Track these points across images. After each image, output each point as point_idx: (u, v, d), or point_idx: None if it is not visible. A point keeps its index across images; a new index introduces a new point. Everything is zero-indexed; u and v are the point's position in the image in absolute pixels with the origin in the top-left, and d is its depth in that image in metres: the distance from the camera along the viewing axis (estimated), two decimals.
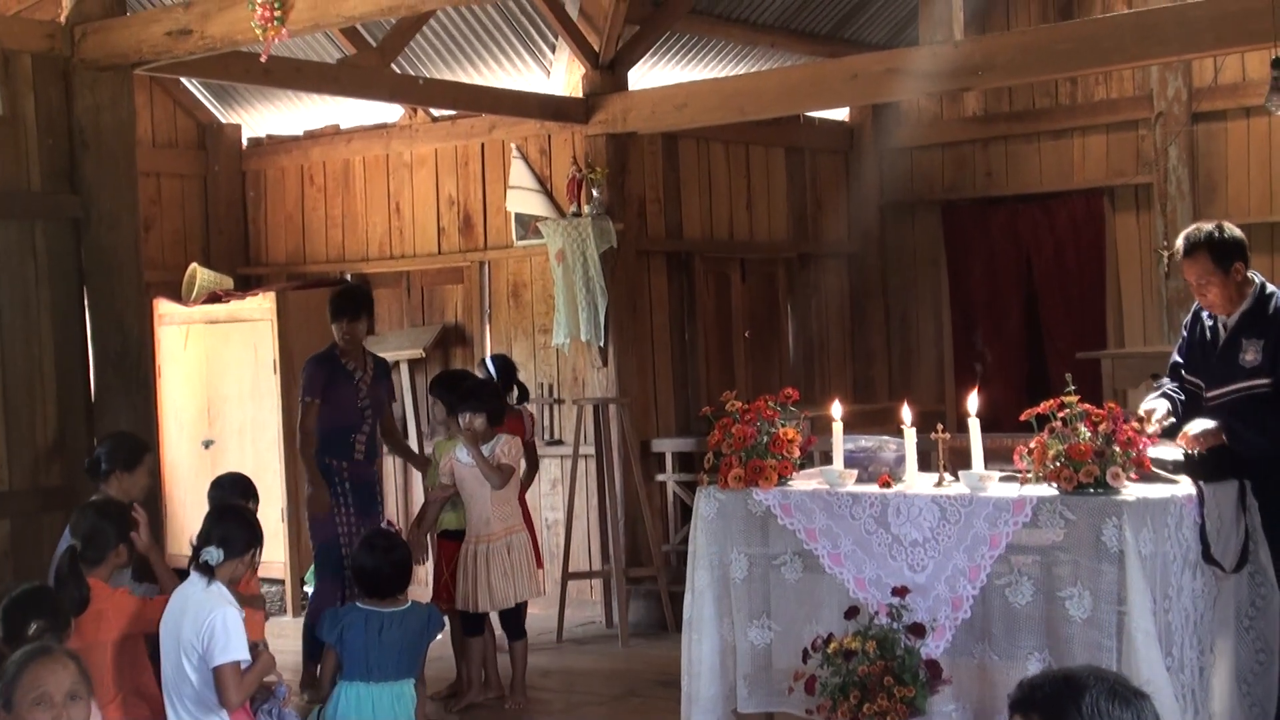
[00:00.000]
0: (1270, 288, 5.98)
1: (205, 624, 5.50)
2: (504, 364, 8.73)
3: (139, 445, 6.75)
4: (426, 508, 7.98)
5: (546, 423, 10.25)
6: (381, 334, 10.84)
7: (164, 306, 10.85)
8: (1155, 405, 5.99)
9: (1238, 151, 10.88)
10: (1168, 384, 6.22)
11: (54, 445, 7.52)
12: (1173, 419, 5.93)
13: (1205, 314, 6.07)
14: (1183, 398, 6.10)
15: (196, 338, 10.79)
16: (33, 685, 4.20)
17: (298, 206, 11.50)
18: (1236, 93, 10.75)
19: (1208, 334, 6.06)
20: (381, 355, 9.85)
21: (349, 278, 11.18)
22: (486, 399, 7.84)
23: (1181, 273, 6.04)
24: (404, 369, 10.51)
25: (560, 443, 10.16)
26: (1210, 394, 5.97)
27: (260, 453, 10.29)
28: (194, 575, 5.71)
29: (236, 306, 10.65)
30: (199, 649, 5.51)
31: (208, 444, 10.69)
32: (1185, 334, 6.21)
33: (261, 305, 10.53)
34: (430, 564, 8.36)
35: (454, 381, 8.16)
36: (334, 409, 8.04)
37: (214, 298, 10.78)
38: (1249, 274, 5.96)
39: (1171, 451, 5.78)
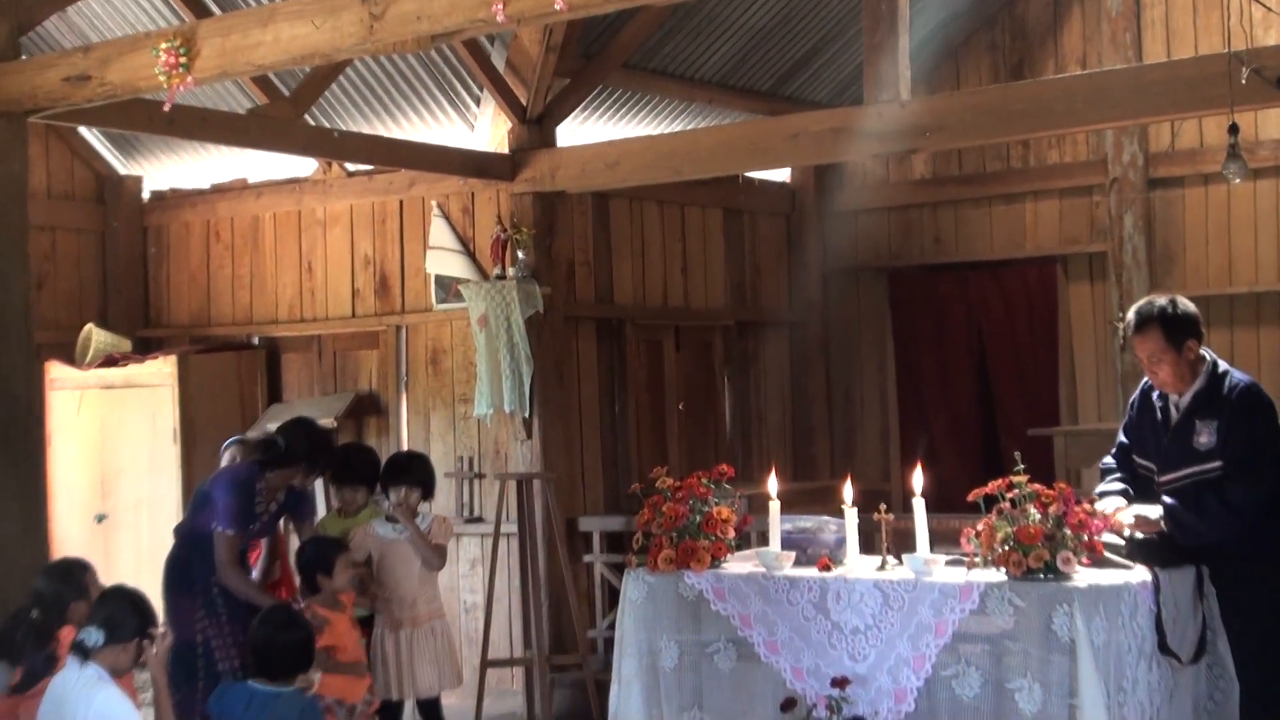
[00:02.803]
0: (1223, 365, 6.05)
1: (90, 713, 5.42)
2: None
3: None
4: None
5: (466, 499, 10.20)
6: (290, 402, 10.77)
7: (56, 370, 10.74)
8: (1112, 504, 6.02)
9: (1195, 220, 11.05)
10: (1116, 475, 6.25)
11: None
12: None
13: (1155, 393, 6.12)
14: (1132, 489, 6.14)
15: (91, 404, 10.68)
16: None
17: (203, 264, 11.43)
18: (1194, 159, 10.92)
19: (1158, 414, 6.11)
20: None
21: (256, 341, 11.11)
22: (420, 472, 7.82)
23: (1133, 348, 6.11)
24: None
25: (480, 520, 10.11)
26: (1163, 478, 6.02)
27: (157, 529, 10.14)
28: (70, 660, 5.63)
29: (135, 371, 10.56)
30: None
31: (100, 519, 10.56)
32: (1133, 413, 6.26)
33: (162, 370, 10.45)
34: None
35: (356, 462, 8.09)
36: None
37: (110, 361, 10.69)
38: (1201, 351, 6.03)
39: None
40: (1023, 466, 5.73)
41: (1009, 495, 5.71)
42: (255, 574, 7.90)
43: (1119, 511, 5.92)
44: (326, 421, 10.25)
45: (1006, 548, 5.61)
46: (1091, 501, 5.77)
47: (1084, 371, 11.52)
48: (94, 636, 5.62)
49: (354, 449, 8.65)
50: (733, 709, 6.16)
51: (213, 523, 7.55)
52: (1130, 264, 10.94)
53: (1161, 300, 6.08)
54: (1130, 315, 6.10)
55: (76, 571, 6.45)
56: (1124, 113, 8.01)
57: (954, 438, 11.97)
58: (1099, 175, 11.27)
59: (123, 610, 5.74)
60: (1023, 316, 11.80)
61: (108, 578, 9.68)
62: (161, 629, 5.95)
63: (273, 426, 10.06)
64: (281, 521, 8.01)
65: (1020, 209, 11.77)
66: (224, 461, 8.55)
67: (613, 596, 9.73)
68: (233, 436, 9.09)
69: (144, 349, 11.10)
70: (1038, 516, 5.62)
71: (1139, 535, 5.83)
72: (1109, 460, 6.33)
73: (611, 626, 8.79)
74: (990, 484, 5.79)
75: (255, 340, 11.15)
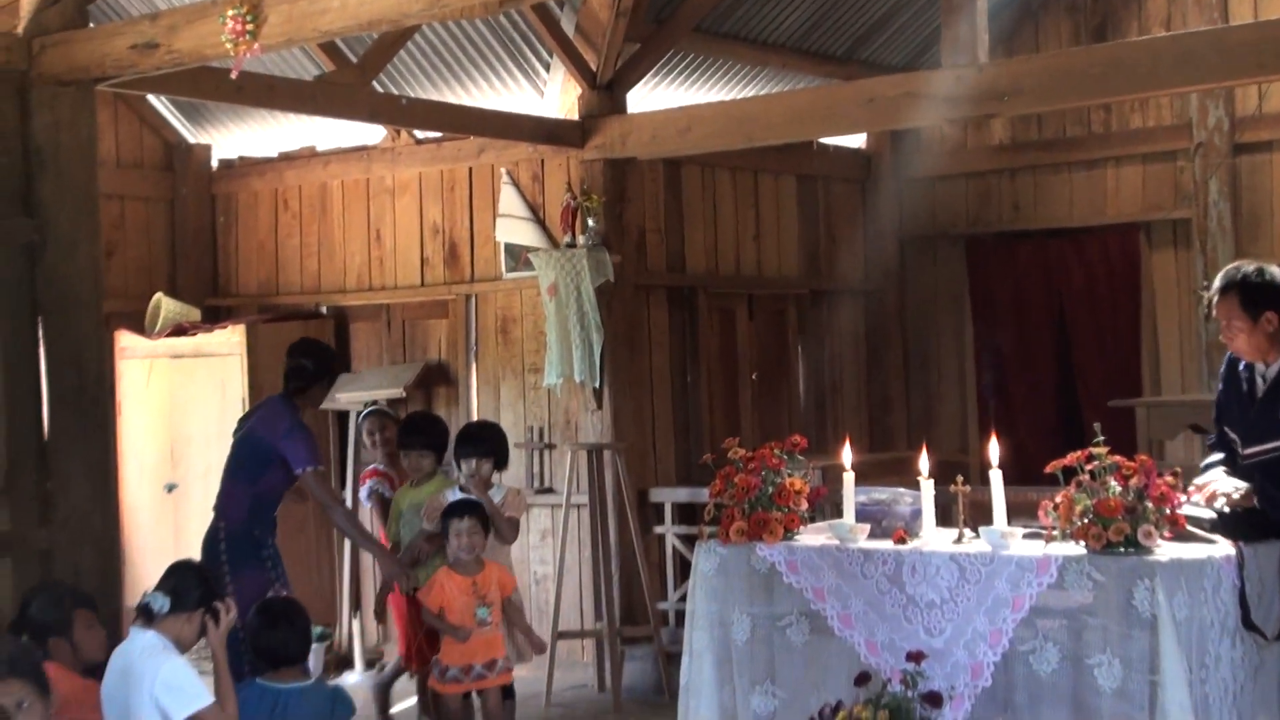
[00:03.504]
0: None
1: (154, 682, 5.49)
2: (315, 345, 8.28)
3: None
4: (412, 551, 7.89)
5: (536, 469, 10.24)
6: (359, 372, 10.84)
7: (125, 339, 10.85)
8: (1210, 476, 5.94)
9: None
10: (1218, 448, 6.16)
11: (2, 490, 7.50)
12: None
13: (1242, 364, 6.06)
14: (1229, 464, 6.05)
15: (160, 373, 10.78)
16: None
17: (271, 233, 11.51)
18: None
19: (1244, 385, 6.04)
20: (358, 394, 9.86)
21: (324, 310, 11.18)
22: (493, 442, 7.84)
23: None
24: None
25: (550, 491, 10.14)
26: (1247, 451, 5.94)
27: None
28: (133, 630, 5.70)
29: (203, 340, 10.65)
30: (156, 713, 5.50)
31: (170, 488, 10.67)
32: (1221, 384, 6.20)
33: (230, 339, 10.53)
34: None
35: (423, 425, 8.18)
36: (286, 480, 7.81)
37: (179, 330, 10.78)
38: None
39: (1208, 510, 5.76)
40: (1103, 438, 5.69)
41: (1089, 467, 5.67)
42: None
43: (1215, 484, 5.84)
44: (395, 392, 10.33)
45: (1086, 521, 5.57)
46: (1175, 474, 5.71)
47: (1167, 342, 11.42)
48: (160, 602, 5.69)
49: (419, 414, 8.78)
50: (805, 683, 6.16)
51: (296, 468, 7.67)
52: (1215, 231, 10.82)
53: (1248, 267, 6.00)
54: (1217, 278, 6.04)
55: (66, 602, 6.27)
56: (1209, 75, 7.92)
57: (1033, 409, 11.90)
58: (1183, 140, 11.14)
59: (189, 581, 5.82)
60: (1104, 285, 11.69)
61: (177, 548, 9.93)
62: (225, 602, 6.01)
63: (342, 397, 10.19)
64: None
65: (1102, 175, 11.66)
66: (365, 433, 8.96)
67: (684, 568, 9.75)
68: (370, 405, 9.26)
69: (212, 318, 11.19)
70: (1118, 489, 5.58)
71: (1227, 509, 5.76)
72: (1213, 435, 6.27)
73: (683, 599, 8.80)
74: (1069, 456, 5.76)
75: (323, 309, 11.22)
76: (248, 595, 7.67)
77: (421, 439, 8.05)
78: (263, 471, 7.75)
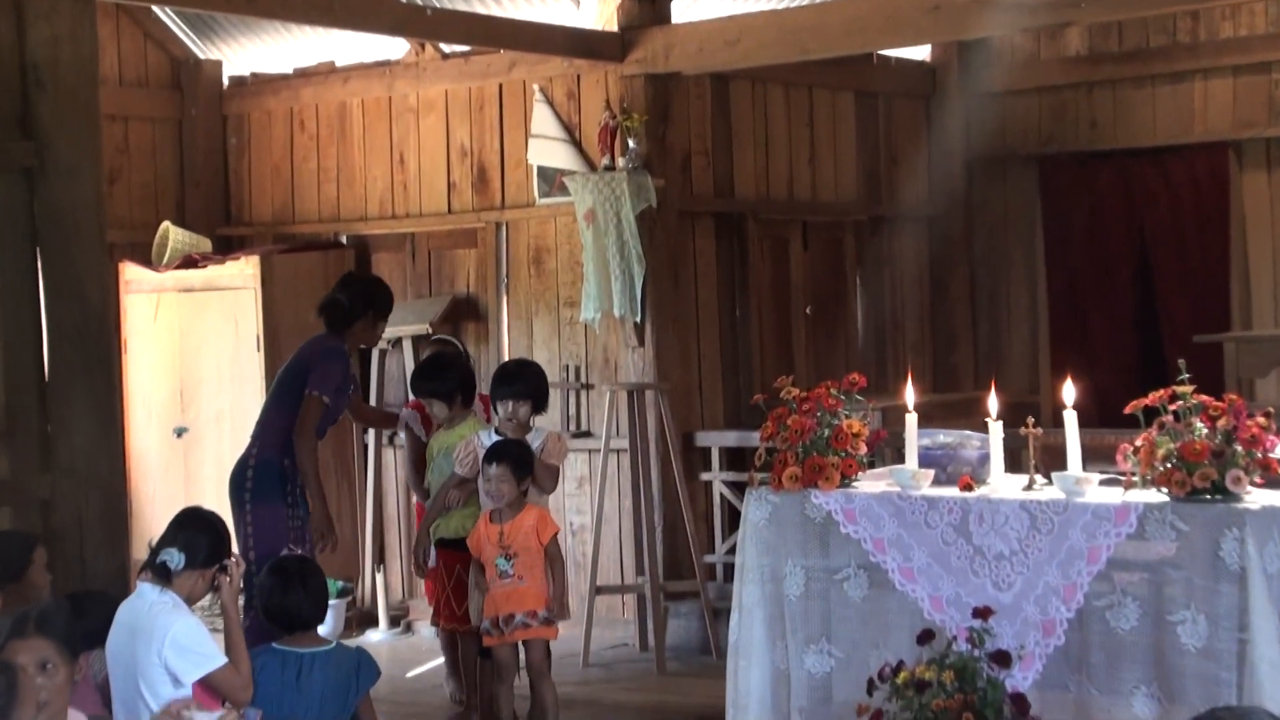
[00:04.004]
0: None
1: (164, 642, 5.53)
2: (361, 280, 8.87)
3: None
4: (441, 497, 7.94)
5: (572, 411, 10.26)
6: None
7: (131, 272, 10.90)
8: None
9: None
10: None
11: (1, 432, 7.54)
12: None
13: None
14: None
15: (168, 308, 10.83)
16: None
17: (286, 156, 11.52)
18: None
19: None
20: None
21: (344, 240, 11.21)
22: (531, 382, 7.84)
23: None
24: (407, 347, 10.52)
25: (588, 435, 10.16)
26: None
27: (240, 442, 10.28)
28: (142, 586, 5.74)
29: (215, 272, 10.68)
30: (164, 675, 5.54)
31: (180, 432, 10.74)
32: None
33: (244, 271, 10.57)
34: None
35: (429, 371, 8.24)
36: (326, 413, 8.10)
37: (189, 262, 10.82)
38: None
39: None
40: (1188, 376, 5.67)
41: (1172, 408, 5.66)
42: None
43: None
44: (420, 328, 10.35)
45: (1169, 465, 5.57)
46: (1267, 415, 5.67)
47: (1259, 271, 11.35)
48: (175, 559, 5.73)
49: (429, 358, 8.77)
50: (864, 641, 6.19)
51: (307, 387, 7.98)
52: None
53: None
54: None
55: (26, 545, 6.36)
56: None
57: (1111, 344, 11.85)
58: (1278, 50, 11.02)
59: (200, 534, 5.84)
60: (1190, 209, 11.61)
61: (187, 496, 10.00)
62: (235, 557, 6.05)
63: None
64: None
65: (1188, 89, 11.55)
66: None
67: (733, 518, 9.78)
68: (430, 336, 9.41)
69: (224, 248, 11.22)
70: (1205, 431, 5.57)
71: None
72: None
73: (731, 551, 8.83)
74: (1151, 395, 5.74)
75: (343, 239, 11.24)
76: (264, 530, 7.85)
77: (429, 385, 8.06)
78: (299, 401, 8.02)
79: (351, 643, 7.36)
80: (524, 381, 7.83)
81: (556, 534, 7.54)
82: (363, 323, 8.24)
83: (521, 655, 7.57)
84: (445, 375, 8.11)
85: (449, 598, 7.92)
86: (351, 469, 10.78)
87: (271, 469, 8.04)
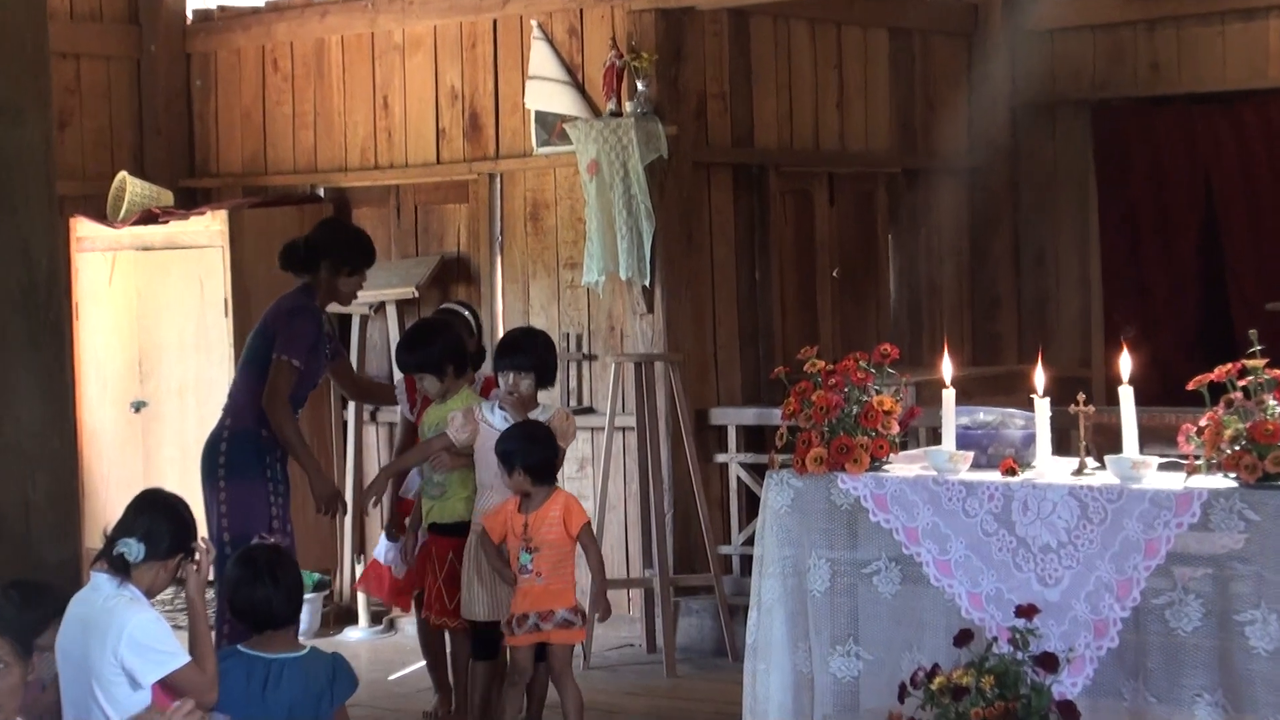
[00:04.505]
0: None
1: (121, 639, 5.52)
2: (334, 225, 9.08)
3: None
4: (424, 448, 7.96)
5: (573, 385, 10.25)
6: None
7: (84, 228, 10.90)
8: None
9: None
10: None
11: None
12: None
13: None
14: None
15: (125, 269, 10.82)
16: None
17: (257, 100, 11.50)
18: None
19: None
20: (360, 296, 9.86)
21: (321, 193, 11.19)
22: (535, 353, 7.82)
23: None
24: (390, 312, 10.51)
25: (590, 411, 10.14)
26: None
27: (206, 418, 10.26)
28: (97, 577, 5.73)
29: (178, 229, 10.67)
30: (120, 675, 5.53)
31: (138, 407, 10.73)
32: None
33: (210, 228, 10.55)
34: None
35: (413, 343, 8.21)
36: (301, 379, 8.12)
37: (148, 217, 10.80)
38: None
39: None
40: (1260, 348, 5.64)
41: (1241, 383, 5.63)
42: None
43: None
44: (405, 291, 10.34)
45: (1237, 448, 5.55)
46: None
47: None
48: (135, 549, 5.71)
49: (413, 326, 8.77)
50: (896, 641, 6.19)
51: (275, 351, 7.98)
52: None
53: None
54: None
55: None
56: None
57: (1173, 312, 11.82)
58: None
59: (161, 521, 5.83)
60: (1263, 162, 11.60)
61: (147, 476, 10.01)
62: (204, 544, 6.03)
63: None
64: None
65: (1262, 27, 11.50)
66: None
67: (751, 505, 9.77)
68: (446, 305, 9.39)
69: (188, 202, 11.22)
70: (1278, 410, 5.54)
71: None
72: None
73: (749, 541, 8.82)
74: (1218, 369, 5.72)
75: (321, 192, 11.23)
76: (240, 509, 7.87)
77: (414, 358, 8.04)
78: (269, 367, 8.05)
79: (328, 643, 7.36)
80: (528, 352, 7.81)
81: (588, 523, 7.56)
82: (328, 269, 8.19)
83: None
84: (430, 344, 8.08)
85: (440, 590, 7.92)
86: (329, 447, 10.77)
87: (249, 440, 8.06)
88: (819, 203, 11.10)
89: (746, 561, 9.03)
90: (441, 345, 8.08)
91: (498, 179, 10.54)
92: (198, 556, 5.95)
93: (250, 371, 8.16)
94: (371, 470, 10.73)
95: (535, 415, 7.71)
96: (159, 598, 6.04)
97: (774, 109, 10.84)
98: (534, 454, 7.39)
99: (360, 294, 10.21)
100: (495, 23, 10.55)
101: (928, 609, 6.11)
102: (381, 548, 8.41)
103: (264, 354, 8.09)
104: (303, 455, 8.10)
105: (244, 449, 8.05)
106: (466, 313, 8.90)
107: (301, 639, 6.39)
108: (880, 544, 6.22)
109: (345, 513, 8.27)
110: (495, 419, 7.70)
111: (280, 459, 8.09)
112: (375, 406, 10.44)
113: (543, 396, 8.08)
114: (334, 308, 10.02)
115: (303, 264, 8.22)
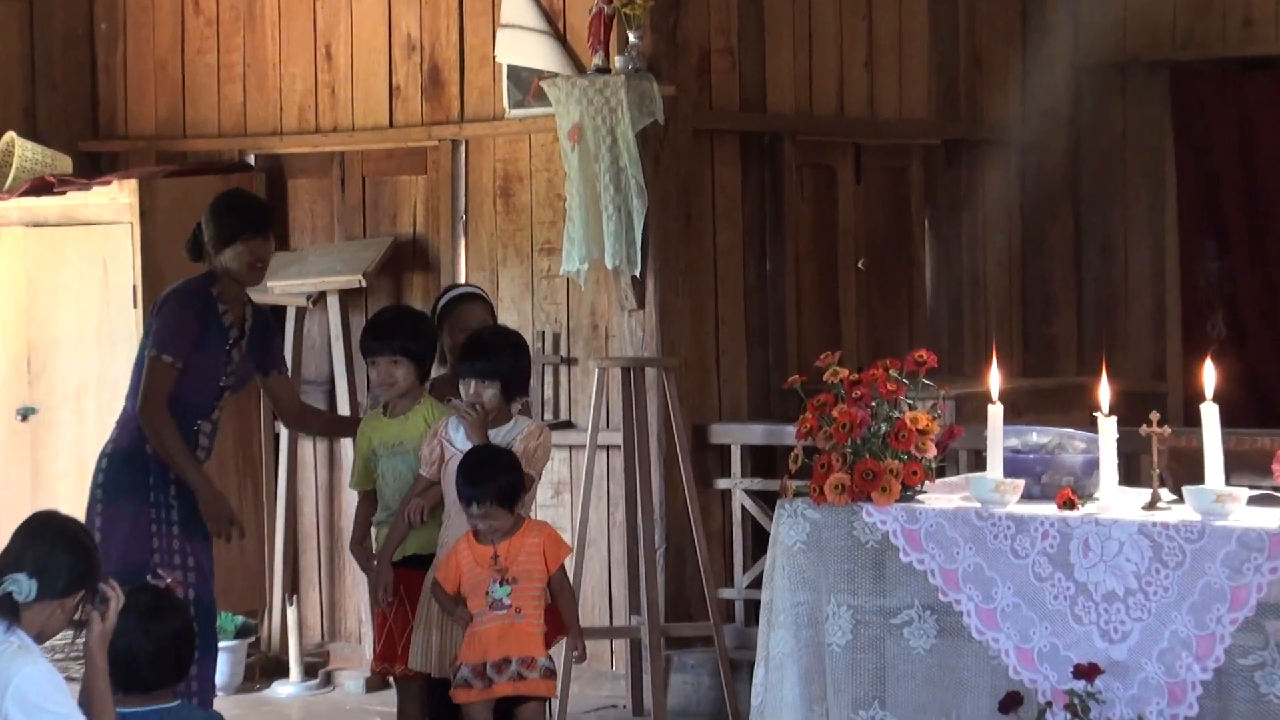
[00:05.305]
0: None
1: (6, 695, 5.49)
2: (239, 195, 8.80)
3: None
4: (402, 516, 7.91)
5: (549, 394, 10.25)
6: (299, 249, 10.86)
7: None
8: None
9: None
10: None
11: None
12: None
13: None
14: None
15: (11, 248, 10.81)
16: None
17: (175, 48, 11.49)
18: None
19: None
20: (296, 283, 9.81)
21: (252, 160, 11.18)
22: (501, 357, 7.80)
23: None
24: (333, 304, 10.49)
25: (569, 426, 10.14)
26: None
27: (107, 428, 10.25)
28: None
29: (77, 201, 10.67)
30: None
31: (25, 414, 10.70)
32: None
33: (117, 200, 10.55)
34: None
35: (381, 328, 8.17)
36: (189, 379, 8.05)
37: (41, 186, 10.80)
38: None
39: None
40: None
41: None
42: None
43: None
44: (350, 280, 10.32)
45: None
46: None
47: None
48: (25, 587, 5.67)
49: (384, 311, 8.77)
50: (930, 705, 6.22)
51: (149, 349, 7.99)
52: None
53: None
54: None
55: None
56: None
57: (1267, 317, 11.84)
58: None
59: (59, 551, 5.78)
60: None
61: (36, 496, 9.98)
62: (110, 585, 5.96)
63: (275, 285, 10.18)
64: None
65: None
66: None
67: (759, 539, 9.76)
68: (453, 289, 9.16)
69: (90, 169, 11.22)
70: None
71: None
72: None
73: (756, 584, 8.82)
74: None
75: (251, 159, 11.24)
76: (116, 536, 7.82)
77: (485, 361, 7.90)
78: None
79: (253, 699, 7.33)
80: (492, 357, 7.78)
81: (569, 556, 7.57)
82: (211, 246, 8.15)
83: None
84: (405, 329, 8.05)
85: (390, 630, 7.90)
86: (258, 468, 10.76)
87: (131, 457, 8.02)
88: (843, 180, 11.10)
89: (753, 608, 9.03)
90: (424, 333, 8.07)
91: (462, 146, 10.55)
92: (105, 600, 5.88)
93: (134, 377, 8.14)
94: (307, 492, 10.74)
95: (505, 431, 7.69)
96: (50, 642, 6.02)
97: (791, 66, 10.84)
98: (496, 487, 7.36)
99: (297, 283, 10.22)
100: None
101: (968, 667, 6.13)
102: None
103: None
104: (185, 467, 8.03)
105: (124, 467, 8.02)
106: (480, 298, 8.78)
107: (220, 693, 6.36)
108: (913, 589, 6.24)
109: (242, 537, 8.19)
110: (459, 438, 7.68)
111: (174, 479, 8.03)
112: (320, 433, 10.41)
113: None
114: (265, 295, 10.04)
115: (197, 247, 8.24)
